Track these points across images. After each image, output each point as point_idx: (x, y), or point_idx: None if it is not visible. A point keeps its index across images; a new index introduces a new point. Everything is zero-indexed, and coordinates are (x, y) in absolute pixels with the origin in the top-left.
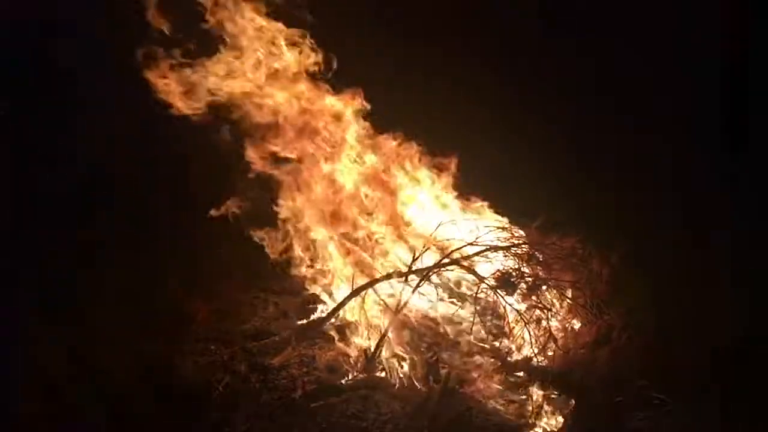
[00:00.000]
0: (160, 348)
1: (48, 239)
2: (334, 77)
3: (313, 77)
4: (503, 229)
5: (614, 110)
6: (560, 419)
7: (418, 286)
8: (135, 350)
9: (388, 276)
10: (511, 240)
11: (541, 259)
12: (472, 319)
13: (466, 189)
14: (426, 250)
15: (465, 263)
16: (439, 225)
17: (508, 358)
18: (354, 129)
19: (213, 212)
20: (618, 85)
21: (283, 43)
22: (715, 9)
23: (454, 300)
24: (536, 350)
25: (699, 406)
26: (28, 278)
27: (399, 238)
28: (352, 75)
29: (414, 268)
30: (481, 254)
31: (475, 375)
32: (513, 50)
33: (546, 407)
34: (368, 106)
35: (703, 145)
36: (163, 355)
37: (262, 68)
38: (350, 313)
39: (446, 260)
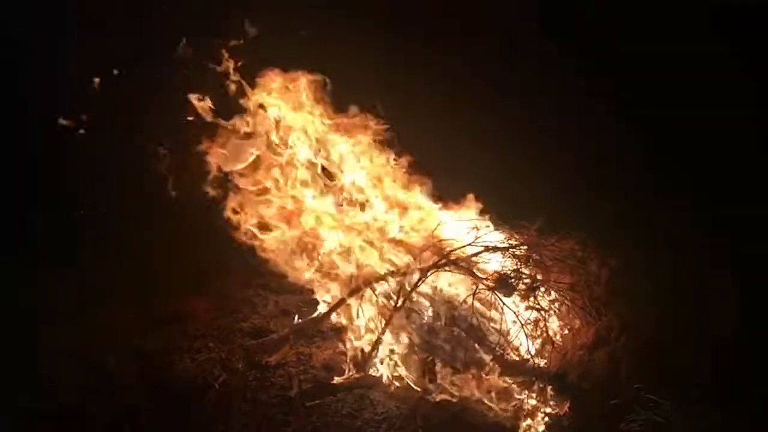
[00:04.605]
0: (158, 345)
1: (48, 239)
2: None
3: None
4: (502, 230)
5: (614, 112)
6: (556, 420)
7: (416, 285)
8: (133, 347)
9: (386, 275)
10: (510, 241)
11: (539, 261)
12: (469, 319)
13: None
14: (425, 250)
15: (463, 264)
16: (438, 225)
17: (505, 359)
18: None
19: None
20: (618, 87)
21: None
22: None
23: (452, 300)
24: (533, 351)
25: (697, 408)
26: (27, 278)
27: (397, 238)
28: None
29: (412, 267)
30: (480, 255)
31: (471, 375)
32: (511, 52)
33: (542, 408)
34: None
35: (702, 146)
36: (161, 352)
37: None
38: (348, 312)
39: (445, 260)
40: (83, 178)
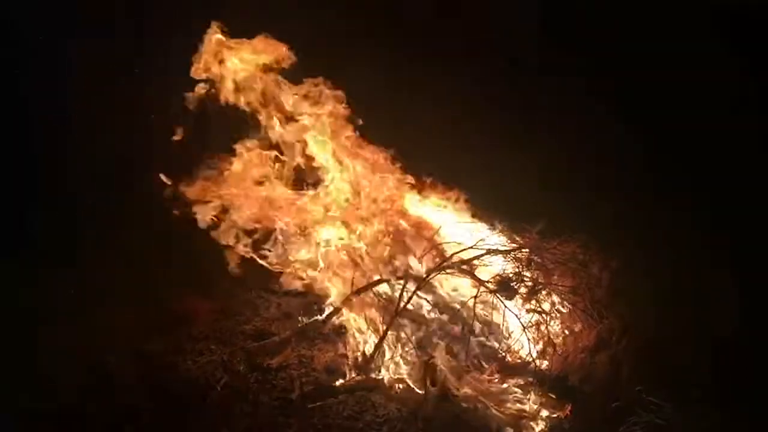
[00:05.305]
0: (159, 346)
1: (48, 239)
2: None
3: None
4: (504, 233)
5: (614, 112)
6: (557, 423)
7: (417, 288)
8: (135, 348)
9: (388, 278)
10: (512, 244)
11: (541, 264)
12: (470, 322)
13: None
14: (426, 253)
15: (465, 267)
16: (440, 228)
17: (507, 362)
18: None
19: None
20: (618, 87)
21: None
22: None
23: (453, 303)
24: (535, 354)
25: (697, 408)
26: (27, 278)
27: (400, 241)
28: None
29: (414, 270)
30: (482, 258)
31: (472, 378)
32: (511, 52)
33: (543, 411)
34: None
35: (702, 146)
36: (162, 354)
37: None
38: (350, 314)
39: (447, 263)
40: (83, 178)
